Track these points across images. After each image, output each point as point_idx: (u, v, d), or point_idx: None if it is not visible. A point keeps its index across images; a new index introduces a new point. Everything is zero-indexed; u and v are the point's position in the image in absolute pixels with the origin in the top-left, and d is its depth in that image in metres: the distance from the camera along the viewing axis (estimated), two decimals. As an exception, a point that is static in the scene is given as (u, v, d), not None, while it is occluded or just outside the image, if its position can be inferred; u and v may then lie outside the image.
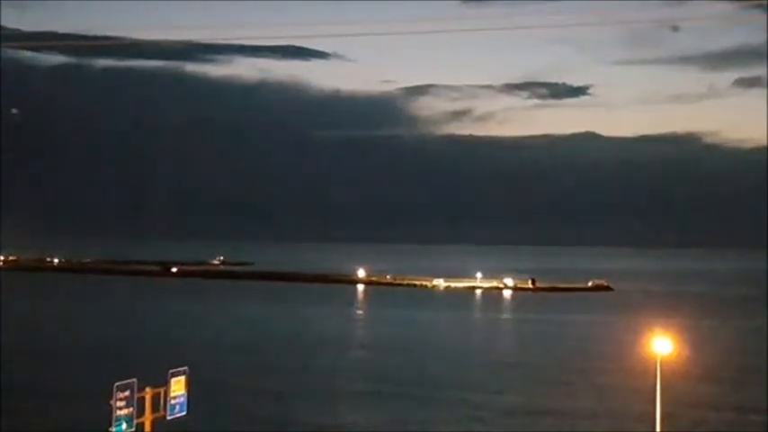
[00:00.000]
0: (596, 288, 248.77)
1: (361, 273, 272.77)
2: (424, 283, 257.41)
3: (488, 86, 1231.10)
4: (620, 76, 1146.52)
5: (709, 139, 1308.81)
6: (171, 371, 37.64)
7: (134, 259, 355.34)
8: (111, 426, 33.98)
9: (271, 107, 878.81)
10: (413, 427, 71.40)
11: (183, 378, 37.83)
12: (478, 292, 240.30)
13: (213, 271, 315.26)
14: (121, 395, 34.12)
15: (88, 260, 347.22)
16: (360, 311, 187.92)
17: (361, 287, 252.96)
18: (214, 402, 70.37)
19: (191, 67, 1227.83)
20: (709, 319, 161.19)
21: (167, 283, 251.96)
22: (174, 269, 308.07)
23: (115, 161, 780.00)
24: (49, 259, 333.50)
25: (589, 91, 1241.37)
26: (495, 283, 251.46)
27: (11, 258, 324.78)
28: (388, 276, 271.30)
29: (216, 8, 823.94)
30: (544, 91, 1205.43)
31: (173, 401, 37.05)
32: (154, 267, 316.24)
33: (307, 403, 79.20)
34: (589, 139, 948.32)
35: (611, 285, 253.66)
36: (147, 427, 36.21)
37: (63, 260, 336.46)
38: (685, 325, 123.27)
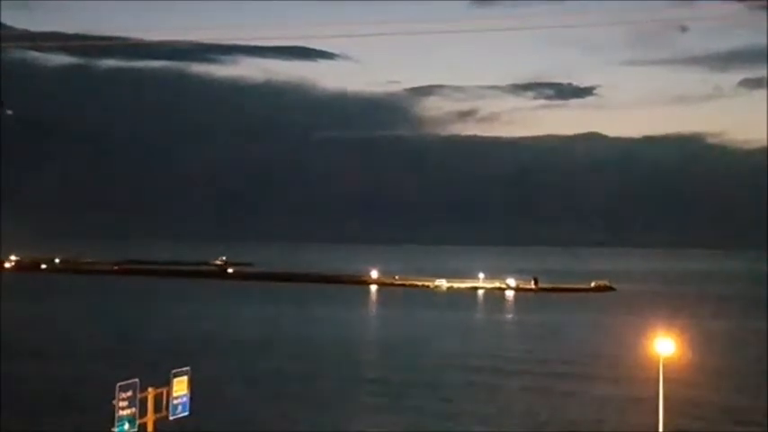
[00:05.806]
0: (599, 288, 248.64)
1: (374, 274, 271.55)
2: (425, 283, 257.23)
3: (494, 87, 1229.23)
4: (625, 76, 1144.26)
5: (713, 140, 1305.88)
6: (173, 371, 37.67)
7: (141, 260, 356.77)
8: (113, 426, 34.05)
9: (276, 108, 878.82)
10: (413, 427, 71.37)
11: (185, 378, 37.86)
12: (481, 292, 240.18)
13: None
14: (124, 395, 34.17)
15: (89, 260, 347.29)
16: (364, 312, 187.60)
17: (365, 287, 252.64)
18: (217, 403, 70.41)
19: (195, 68, 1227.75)
20: (711, 320, 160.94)
21: (167, 285, 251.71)
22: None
23: (118, 161, 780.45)
24: (56, 261, 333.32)
25: (595, 91, 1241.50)
26: (497, 284, 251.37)
27: (14, 259, 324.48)
28: (396, 277, 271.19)
29: (221, 9, 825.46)
30: (550, 91, 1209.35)
31: (175, 402, 37.09)
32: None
33: (308, 405, 79.19)
34: (594, 140, 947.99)
35: (614, 286, 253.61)
36: (150, 427, 36.25)
37: (68, 261, 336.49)
38: (688, 326, 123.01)
